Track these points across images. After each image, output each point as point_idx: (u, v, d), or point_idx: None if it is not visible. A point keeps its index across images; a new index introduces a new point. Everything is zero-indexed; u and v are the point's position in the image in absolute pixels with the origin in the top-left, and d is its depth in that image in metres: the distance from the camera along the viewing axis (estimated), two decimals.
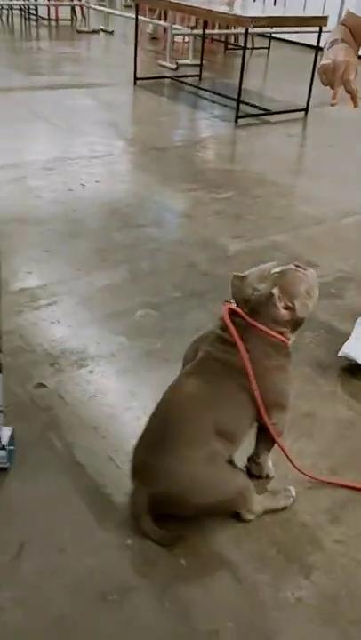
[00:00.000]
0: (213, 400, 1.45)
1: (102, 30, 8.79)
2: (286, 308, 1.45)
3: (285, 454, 1.59)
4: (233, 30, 7.58)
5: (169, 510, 1.44)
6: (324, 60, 1.51)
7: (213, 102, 5.66)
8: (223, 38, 8.29)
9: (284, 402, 1.55)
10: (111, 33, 8.67)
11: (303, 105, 5.27)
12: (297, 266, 1.51)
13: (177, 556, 1.43)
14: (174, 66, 6.67)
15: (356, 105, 1.55)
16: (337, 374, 2.09)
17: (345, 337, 2.21)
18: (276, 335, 1.48)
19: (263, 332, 1.46)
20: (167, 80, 6.33)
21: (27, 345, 2.12)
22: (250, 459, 1.66)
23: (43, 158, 3.85)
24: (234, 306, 1.50)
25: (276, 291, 1.43)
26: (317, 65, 1.58)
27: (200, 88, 6.07)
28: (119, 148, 4.22)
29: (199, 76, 6.42)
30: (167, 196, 3.49)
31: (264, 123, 5.14)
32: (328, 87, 1.52)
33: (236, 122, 5.00)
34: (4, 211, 3.11)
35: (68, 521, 1.50)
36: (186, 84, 6.12)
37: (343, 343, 2.15)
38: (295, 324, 1.50)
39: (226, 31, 7.76)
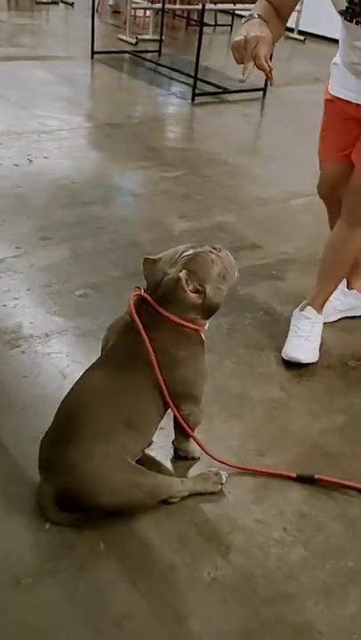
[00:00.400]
0: (119, 392, 1.41)
1: (62, 2, 8.55)
2: (196, 291, 1.39)
3: (198, 443, 1.58)
4: (193, 6, 7.43)
5: (77, 505, 1.39)
6: (237, 37, 1.47)
7: (172, 79, 5.57)
8: (186, 14, 8.15)
9: (194, 392, 1.51)
10: (71, 5, 8.43)
11: (262, 85, 5.23)
12: (213, 248, 1.45)
13: (96, 539, 1.42)
14: (134, 40, 6.54)
15: (271, 82, 1.52)
16: (273, 355, 2.10)
17: (284, 319, 2.22)
18: (185, 323, 1.42)
19: (171, 319, 1.40)
20: (126, 55, 6.20)
21: None
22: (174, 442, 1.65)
23: None
24: (143, 292, 1.44)
25: (183, 274, 1.36)
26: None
27: (159, 64, 5.97)
28: (72, 123, 4.12)
29: (159, 51, 6.31)
30: (116, 173, 3.43)
31: (222, 102, 5.09)
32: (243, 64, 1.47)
33: (192, 100, 4.94)
34: None
35: None
36: (145, 59, 6.01)
37: (283, 326, 2.16)
38: (208, 309, 1.44)
39: (185, 6, 7.62)
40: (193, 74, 4.97)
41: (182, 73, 5.54)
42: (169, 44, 6.72)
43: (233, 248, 2.73)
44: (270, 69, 1.46)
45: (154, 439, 1.63)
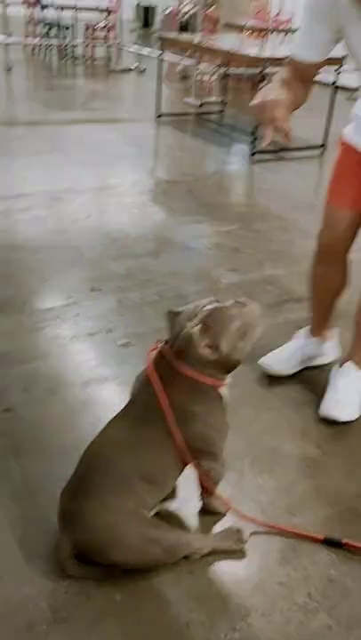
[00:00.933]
0: (138, 445, 1.40)
1: (135, 69, 9.06)
2: (210, 347, 1.36)
3: (221, 500, 1.55)
4: (253, 70, 7.66)
5: (94, 559, 1.38)
6: (256, 99, 1.51)
7: (233, 139, 5.74)
8: (251, 77, 8.42)
9: (211, 449, 1.47)
10: (143, 71, 8.92)
11: (320, 142, 5.29)
12: (238, 302, 1.43)
13: (112, 591, 1.40)
14: (199, 103, 6.80)
15: (288, 140, 1.53)
16: (312, 411, 2.05)
17: (326, 374, 2.16)
18: (200, 378, 1.39)
19: (186, 374, 1.38)
20: (191, 116, 6.45)
21: (1, 368, 2.15)
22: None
23: (53, 189, 3.95)
24: (162, 345, 1.44)
25: (196, 329, 1.34)
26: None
27: (221, 124, 6.17)
28: (131, 180, 4.30)
29: (222, 112, 6.53)
30: (169, 227, 3.52)
31: (280, 159, 5.17)
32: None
33: (251, 157, 5.05)
34: (7, 239, 3.19)
35: (10, 548, 1.49)
36: (208, 120, 6.23)
37: (324, 381, 2.11)
38: (225, 365, 1.40)
39: (248, 70, 7.86)
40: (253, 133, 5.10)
41: (243, 132, 5.69)
42: (233, 106, 6.95)
43: (280, 301, 2.74)
44: (288, 130, 1.47)
45: (181, 492, 1.62)
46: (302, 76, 1.67)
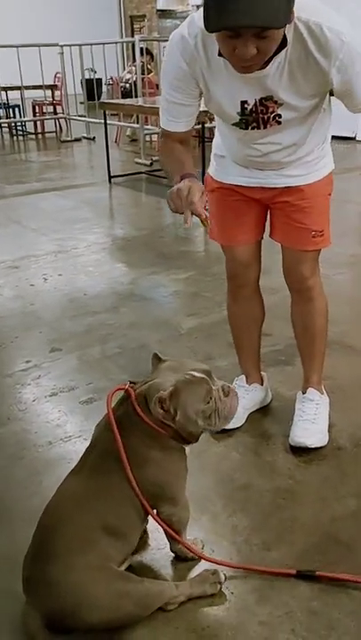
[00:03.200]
0: (94, 496, 1.35)
1: (84, 138, 9.33)
2: (167, 411, 1.33)
3: (184, 545, 1.50)
4: (196, 126, 7.94)
5: (67, 627, 1.30)
6: (170, 191, 1.50)
7: None
8: (198, 133, 8.71)
9: (169, 494, 1.43)
10: (93, 139, 9.18)
11: None
12: (224, 387, 1.41)
13: None
14: (149, 162, 6.99)
15: (207, 227, 1.56)
16: (281, 442, 2.02)
17: (292, 405, 2.14)
18: (157, 427, 1.36)
19: (144, 420, 1.35)
20: (143, 175, 6.61)
21: None
22: None
23: (9, 258, 3.97)
24: (129, 386, 1.41)
25: (166, 392, 1.31)
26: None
27: None
28: (88, 241, 4.35)
29: None
30: (127, 281, 3.55)
31: None
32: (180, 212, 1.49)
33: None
34: None
35: None
36: (159, 177, 6.38)
37: (291, 412, 2.08)
38: (179, 433, 1.37)
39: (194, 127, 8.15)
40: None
41: None
42: None
43: None
44: (206, 215, 1.49)
45: (151, 543, 1.56)
46: (181, 140, 1.73)
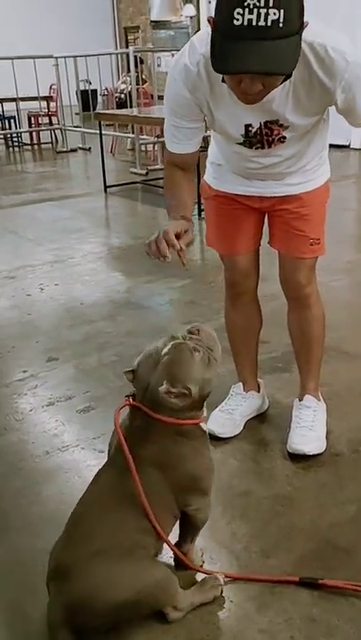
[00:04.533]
0: (130, 494, 1.35)
1: (80, 148, 9.36)
2: (181, 395, 1.34)
3: (180, 557, 1.49)
4: None
5: (86, 619, 1.29)
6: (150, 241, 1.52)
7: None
8: None
9: (203, 485, 1.47)
10: (88, 150, 9.21)
11: None
12: (190, 332, 1.40)
13: None
14: (144, 171, 7.02)
15: (183, 263, 1.56)
16: (279, 449, 2.02)
17: (290, 412, 2.14)
18: (182, 422, 1.39)
19: (167, 422, 1.37)
20: (138, 185, 6.64)
21: None
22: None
23: (6, 268, 3.97)
24: (132, 400, 1.41)
25: (163, 388, 1.31)
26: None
27: None
28: (84, 251, 4.35)
29: None
30: (123, 290, 3.55)
31: None
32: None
33: (199, 215, 5.16)
34: None
35: None
36: (154, 186, 6.40)
37: (289, 418, 2.08)
38: (199, 400, 1.40)
39: None
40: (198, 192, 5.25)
41: None
42: None
43: None
44: (181, 249, 1.49)
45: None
46: (185, 165, 1.71)
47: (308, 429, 1.99)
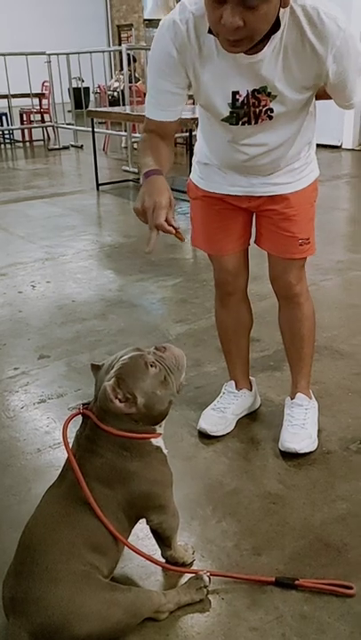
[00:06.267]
0: (77, 514, 1.31)
1: (72, 146, 9.33)
2: (125, 400, 1.30)
3: (153, 561, 1.46)
4: (183, 134, 7.88)
5: None
6: (136, 203, 1.44)
7: (174, 198, 5.88)
8: (186, 140, 8.75)
9: (158, 502, 1.41)
10: (81, 147, 9.19)
11: None
12: (157, 348, 1.38)
13: None
14: (137, 170, 7.00)
15: (180, 239, 1.48)
16: (271, 447, 2.02)
17: (282, 410, 2.14)
18: (128, 435, 1.32)
19: (113, 433, 1.32)
20: (130, 183, 6.63)
21: None
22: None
23: None
24: (84, 407, 1.38)
25: (109, 384, 1.27)
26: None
27: None
28: (75, 248, 4.34)
29: None
30: (115, 288, 3.54)
31: None
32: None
33: None
34: None
35: None
36: None
37: (281, 417, 2.08)
38: (147, 416, 1.33)
39: (177, 135, 8.12)
40: None
41: (181, 192, 5.85)
42: (170, 169, 7.16)
43: None
44: (176, 229, 1.43)
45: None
46: (164, 134, 1.65)
47: (300, 427, 1.99)
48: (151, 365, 1.33)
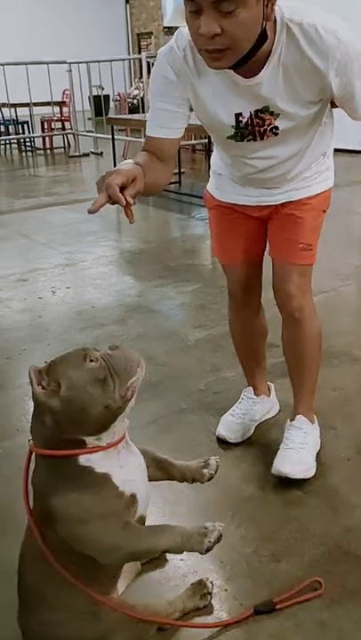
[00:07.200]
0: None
1: (92, 153, 9.41)
2: (47, 388, 1.11)
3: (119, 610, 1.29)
4: (201, 140, 7.88)
5: None
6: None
7: (192, 204, 5.91)
8: (205, 147, 8.78)
9: (94, 546, 1.17)
10: (100, 154, 9.26)
11: None
12: (109, 347, 1.19)
13: None
14: None
15: (130, 220, 1.34)
16: None
17: None
18: (49, 452, 1.12)
19: (38, 453, 1.15)
20: None
21: None
22: None
23: (18, 271, 4.00)
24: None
25: (34, 366, 1.12)
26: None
27: (179, 193, 6.37)
28: (96, 254, 4.37)
29: (179, 182, 6.75)
30: (134, 294, 3.56)
31: None
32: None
33: None
34: None
35: None
36: (168, 190, 6.42)
37: None
38: (72, 417, 1.10)
39: (197, 141, 8.14)
40: None
41: (201, 199, 5.86)
42: (190, 175, 7.20)
43: None
44: (128, 204, 1.29)
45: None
46: (161, 154, 1.60)
47: (295, 451, 1.87)
48: (91, 360, 1.13)
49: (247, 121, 1.56)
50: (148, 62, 7.71)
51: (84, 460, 1.14)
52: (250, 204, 1.80)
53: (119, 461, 1.19)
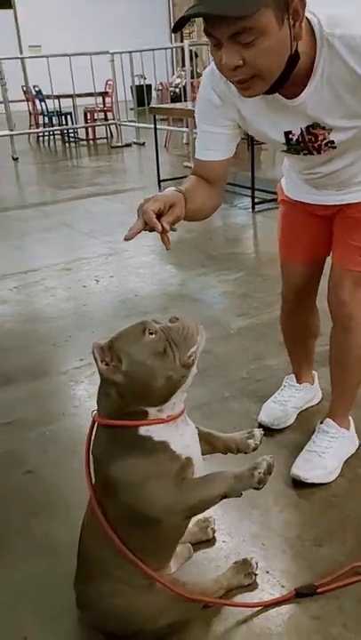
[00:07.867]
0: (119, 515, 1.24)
1: (134, 143, 9.46)
2: (110, 364, 1.15)
3: (154, 578, 1.31)
4: None
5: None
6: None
7: (234, 193, 5.89)
8: (247, 136, 8.72)
9: (153, 512, 1.20)
10: (143, 144, 9.30)
11: None
12: (170, 320, 1.21)
13: None
14: None
15: (166, 246, 1.38)
16: None
17: None
18: (113, 422, 1.17)
19: (101, 423, 1.19)
20: None
21: (21, 432, 2.17)
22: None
23: (62, 260, 4.08)
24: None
25: (97, 343, 1.15)
26: None
27: None
28: (138, 244, 4.40)
29: None
30: (177, 283, 3.59)
31: None
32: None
33: (253, 209, 5.17)
34: (19, 312, 3.28)
35: (37, 608, 1.47)
36: None
37: None
38: (134, 390, 1.15)
39: None
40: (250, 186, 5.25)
41: (243, 187, 5.85)
42: (233, 164, 7.13)
43: None
44: (164, 230, 1.30)
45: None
46: (208, 176, 1.61)
47: (317, 455, 1.84)
48: (150, 333, 1.16)
49: (298, 138, 1.51)
50: (190, 51, 7.68)
51: (143, 430, 1.19)
52: (314, 202, 1.78)
53: (178, 430, 1.24)
